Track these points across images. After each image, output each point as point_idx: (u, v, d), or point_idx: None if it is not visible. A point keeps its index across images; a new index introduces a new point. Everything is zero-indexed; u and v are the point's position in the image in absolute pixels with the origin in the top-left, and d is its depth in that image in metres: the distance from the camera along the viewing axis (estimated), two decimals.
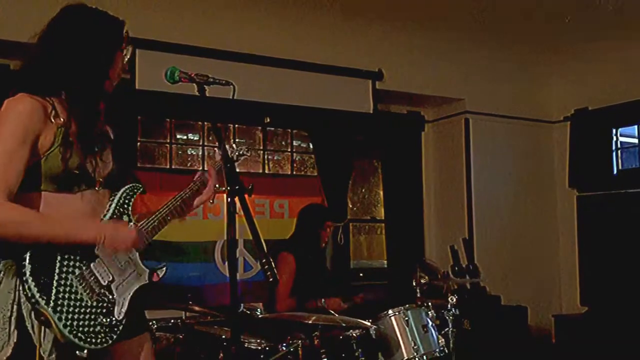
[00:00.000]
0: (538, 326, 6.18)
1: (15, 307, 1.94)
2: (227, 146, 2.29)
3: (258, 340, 3.56)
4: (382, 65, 5.77)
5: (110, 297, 2.09)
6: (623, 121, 6.28)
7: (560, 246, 6.66)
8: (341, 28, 5.59)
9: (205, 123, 5.45)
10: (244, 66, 5.09)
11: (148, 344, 2.31)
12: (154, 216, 2.22)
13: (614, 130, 6.33)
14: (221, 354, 3.56)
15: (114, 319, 2.07)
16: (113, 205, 2.18)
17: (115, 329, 2.07)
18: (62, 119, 2.05)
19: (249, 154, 2.63)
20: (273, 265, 1.92)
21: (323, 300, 3.87)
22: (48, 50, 2.10)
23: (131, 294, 2.15)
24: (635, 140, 6.37)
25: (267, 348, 3.51)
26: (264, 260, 1.91)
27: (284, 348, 3.47)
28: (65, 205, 2.05)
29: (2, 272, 1.97)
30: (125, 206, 2.21)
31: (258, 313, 3.93)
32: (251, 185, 2.09)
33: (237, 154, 2.57)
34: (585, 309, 6.21)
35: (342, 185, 5.84)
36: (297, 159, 6.00)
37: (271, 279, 1.90)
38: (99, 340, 2.02)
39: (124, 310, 2.11)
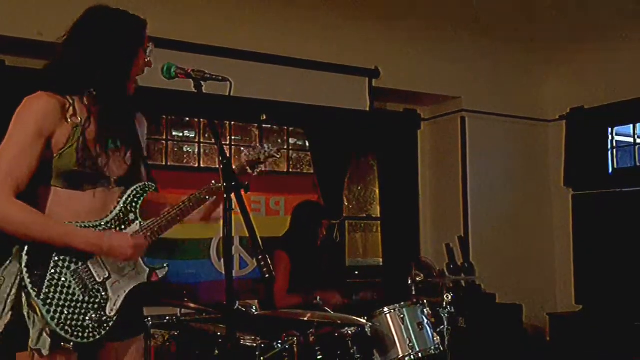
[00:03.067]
0: (533, 324, 6.19)
1: (14, 290, 2.00)
2: (257, 147, 2.27)
3: (253, 337, 3.56)
4: (378, 63, 5.77)
5: (104, 293, 2.11)
6: (618, 120, 6.29)
7: (555, 245, 6.67)
8: (338, 26, 5.58)
9: (202, 120, 5.44)
10: (241, 63, 5.08)
11: (139, 345, 2.30)
12: (162, 216, 2.19)
13: (609, 129, 6.34)
14: (216, 351, 3.56)
15: (104, 315, 2.09)
16: (120, 203, 2.18)
17: (105, 325, 2.09)
18: (79, 118, 2.09)
19: (278, 156, 2.37)
20: (269, 263, 1.92)
21: (318, 297, 3.87)
22: (73, 50, 2.14)
23: (127, 292, 2.15)
24: (631, 140, 6.38)
25: (263, 345, 3.51)
26: (260, 257, 1.92)
27: (279, 345, 3.48)
28: (75, 201, 2.10)
29: (12, 255, 2.04)
30: (134, 204, 2.20)
31: (253, 310, 3.93)
32: (247, 182, 2.09)
33: (265, 155, 2.30)
34: (580, 307, 6.23)
35: (338, 183, 5.83)
36: (293, 156, 5.99)
37: (267, 276, 1.91)
38: (86, 335, 2.04)
39: (116, 307, 2.12)
